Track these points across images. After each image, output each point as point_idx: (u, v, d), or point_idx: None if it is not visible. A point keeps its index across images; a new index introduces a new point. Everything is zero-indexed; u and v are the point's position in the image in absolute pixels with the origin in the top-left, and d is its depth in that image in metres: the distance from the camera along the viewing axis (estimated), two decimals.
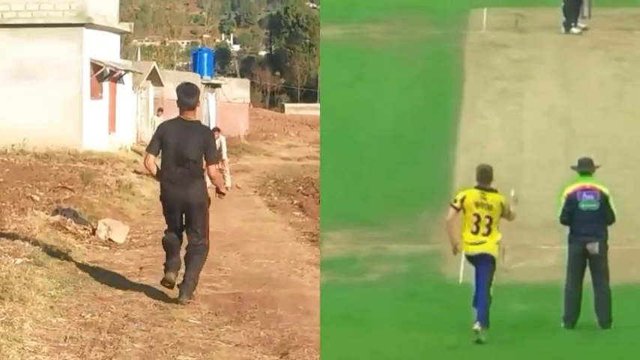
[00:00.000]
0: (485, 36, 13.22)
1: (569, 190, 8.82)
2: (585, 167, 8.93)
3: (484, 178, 8.64)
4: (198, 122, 9.33)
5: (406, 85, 12.22)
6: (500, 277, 8.68)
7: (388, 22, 13.40)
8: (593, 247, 8.68)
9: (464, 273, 9.31)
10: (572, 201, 8.76)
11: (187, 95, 9.02)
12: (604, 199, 8.77)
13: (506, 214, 8.55)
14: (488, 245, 8.47)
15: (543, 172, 10.82)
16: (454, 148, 11.30)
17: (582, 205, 8.73)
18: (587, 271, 8.75)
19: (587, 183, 8.83)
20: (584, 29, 13.25)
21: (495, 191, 8.56)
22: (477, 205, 8.50)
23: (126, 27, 31.89)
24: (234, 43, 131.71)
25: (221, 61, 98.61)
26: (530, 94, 12.13)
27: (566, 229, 8.85)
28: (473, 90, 12.17)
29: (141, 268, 10.73)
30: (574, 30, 13.17)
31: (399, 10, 13.53)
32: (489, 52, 12.90)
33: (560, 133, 11.54)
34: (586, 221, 8.71)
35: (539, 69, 12.55)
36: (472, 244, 8.49)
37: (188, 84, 9.39)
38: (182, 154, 8.84)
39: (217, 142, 22.94)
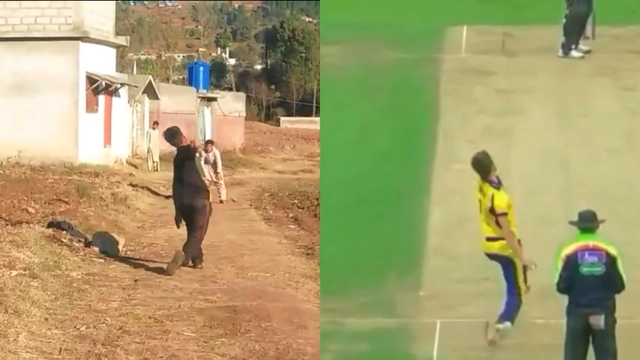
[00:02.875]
0: (465, 61, 11.05)
1: (567, 250, 7.42)
2: (587, 222, 7.49)
3: (479, 169, 8.09)
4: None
5: (368, 122, 10.22)
6: (485, 359, 7.86)
7: (345, 43, 11.24)
8: (598, 321, 7.31)
9: (438, 352, 8.08)
10: (571, 264, 7.37)
11: (172, 138, 12.02)
12: (610, 262, 7.36)
13: (497, 214, 7.95)
14: (496, 245, 8.01)
15: (536, 229, 8.82)
16: (427, 199, 9.35)
17: (584, 269, 7.34)
18: (590, 350, 7.41)
19: (590, 242, 7.40)
20: (587, 52, 11.24)
21: (494, 185, 8.00)
22: (480, 189, 8.13)
23: (122, 40, 31.97)
24: (230, 56, 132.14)
25: (217, 74, 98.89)
26: (521, 131, 10.04)
27: (565, 299, 7.45)
28: (450, 127, 10.15)
29: (136, 281, 10.73)
30: (574, 53, 11.17)
31: (359, 29, 11.29)
32: (470, 81, 10.76)
33: (557, 179, 9.55)
34: (589, 289, 7.32)
35: (531, 101, 10.50)
36: (486, 239, 8.06)
37: (168, 130, 12.20)
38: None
39: (211, 155, 23.11)
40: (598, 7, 11.31)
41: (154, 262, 12.28)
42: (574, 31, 11.24)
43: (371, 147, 9.99)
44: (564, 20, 11.26)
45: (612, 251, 7.40)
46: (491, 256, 8.11)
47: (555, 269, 7.45)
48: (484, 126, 10.23)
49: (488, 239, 8.07)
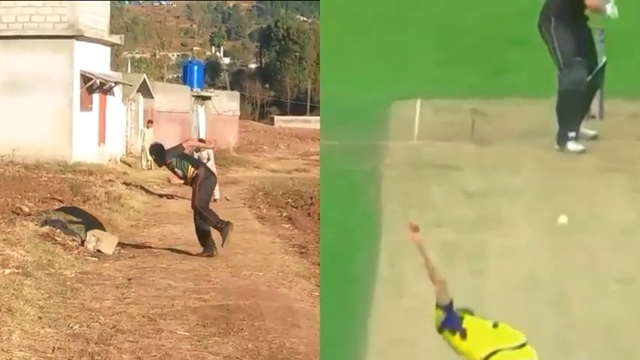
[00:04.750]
0: (418, 150, 8.02)
1: None
2: None
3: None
4: None
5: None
6: None
7: None
8: None
9: None
10: None
11: (160, 151, 13.25)
12: None
13: None
14: None
15: None
16: (364, 350, 6.66)
17: None
18: None
19: None
20: (593, 138, 8.17)
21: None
22: None
23: (116, 39, 31.94)
24: (225, 55, 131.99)
25: (211, 73, 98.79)
26: (498, 252, 7.12)
27: None
28: (396, 246, 7.11)
29: (129, 279, 10.74)
30: (571, 146, 8.05)
31: None
32: (426, 179, 7.73)
33: (549, 320, 6.78)
34: None
35: (512, 209, 7.48)
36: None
37: (154, 146, 13.66)
38: None
39: (205, 153, 23.11)
40: (607, 74, 8.14)
41: (148, 260, 12.30)
42: (571, 111, 8.03)
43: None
44: (556, 96, 8.03)
45: None
46: None
47: None
48: (445, 244, 7.20)
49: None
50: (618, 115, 8.31)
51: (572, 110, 7.99)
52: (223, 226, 12.98)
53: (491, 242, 7.21)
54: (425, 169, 7.90)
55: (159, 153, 13.35)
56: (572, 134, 8.03)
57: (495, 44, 9.06)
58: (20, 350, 7.09)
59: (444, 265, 6.28)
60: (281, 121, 75.09)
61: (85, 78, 28.63)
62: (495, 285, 6.94)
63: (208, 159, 23.02)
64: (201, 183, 13.02)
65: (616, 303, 6.85)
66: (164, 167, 13.59)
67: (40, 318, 8.26)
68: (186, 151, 13.53)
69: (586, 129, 8.16)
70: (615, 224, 7.41)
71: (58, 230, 13.27)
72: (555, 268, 7.13)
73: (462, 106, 8.37)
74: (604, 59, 8.12)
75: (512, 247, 7.25)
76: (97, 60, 29.78)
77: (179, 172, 13.12)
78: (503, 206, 7.56)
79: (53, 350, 7.23)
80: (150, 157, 31.00)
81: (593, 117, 8.30)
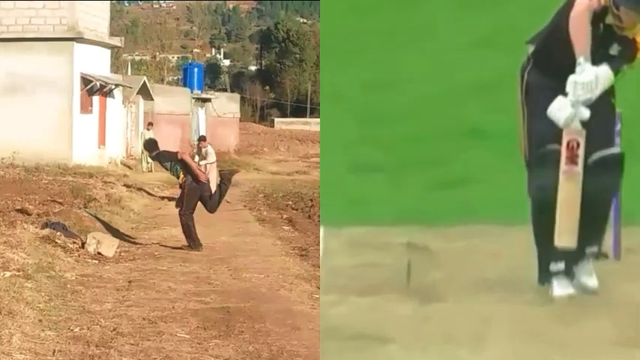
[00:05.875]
0: (322, 311, 5.93)
1: None
2: None
3: None
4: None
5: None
6: None
7: None
8: None
9: None
10: None
11: (154, 148, 14.15)
12: None
13: None
14: None
15: None
16: None
17: None
18: None
19: None
20: (593, 292, 5.37)
21: None
22: None
23: (116, 41, 31.96)
24: (225, 57, 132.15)
25: (211, 75, 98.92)
26: None
27: None
28: None
29: (130, 282, 10.74)
30: (557, 289, 5.35)
31: None
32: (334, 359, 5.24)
33: None
34: None
35: None
36: None
37: (148, 141, 14.74)
38: None
39: (204, 151, 23.11)
40: (626, 192, 5.43)
41: (148, 263, 12.30)
42: (546, 232, 5.27)
43: None
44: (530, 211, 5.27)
45: None
46: None
47: None
48: None
49: None
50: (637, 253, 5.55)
51: (548, 230, 5.15)
52: (190, 246, 13.64)
53: None
54: (332, 340, 5.19)
55: (153, 149, 14.19)
56: (556, 266, 5.25)
57: (445, 138, 6.28)
58: (21, 353, 7.09)
59: None
60: (281, 123, 75.05)
61: (85, 80, 28.65)
62: None
63: (206, 157, 22.91)
64: (188, 191, 13.82)
65: None
66: (164, 169, 14.40)
67: (40, 321, 8.25)
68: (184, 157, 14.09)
69: (587, 280, 5.30)
70: None
71: (58, 233, 13.27)
72: None
73: (392, 238, 5.62)
74: (617, 149, 5.41)
75: None
76: (97, 62, 29.80)
77: (170, 174, 14.12)
78: None
79: (54, 353, 7.23)
80: (150, 160, 31.14)
81: (605, 256, 5.59)
